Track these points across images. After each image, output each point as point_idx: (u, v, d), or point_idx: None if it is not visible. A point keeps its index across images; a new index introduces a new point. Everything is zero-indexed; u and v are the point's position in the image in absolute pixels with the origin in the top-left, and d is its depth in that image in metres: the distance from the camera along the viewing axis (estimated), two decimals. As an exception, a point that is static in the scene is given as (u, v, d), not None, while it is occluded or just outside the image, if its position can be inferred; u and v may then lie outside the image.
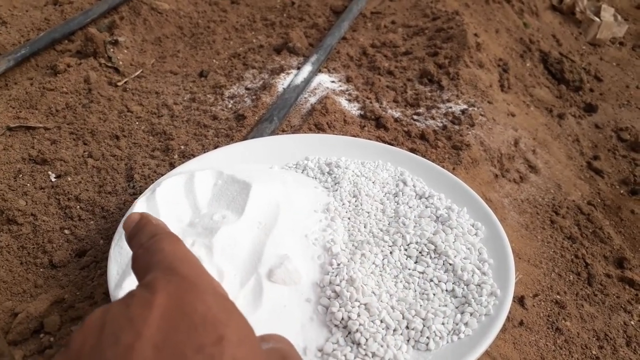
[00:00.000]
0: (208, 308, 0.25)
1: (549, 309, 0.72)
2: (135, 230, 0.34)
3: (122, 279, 0.48)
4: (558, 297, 0.75)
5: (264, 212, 0.56)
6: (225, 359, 0.23)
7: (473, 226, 0.60)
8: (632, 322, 0.77)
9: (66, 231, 0.67)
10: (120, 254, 0.51)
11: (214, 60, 1.12)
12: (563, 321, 0.71)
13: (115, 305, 0.26)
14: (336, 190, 0.64)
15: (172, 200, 0.58)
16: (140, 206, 0.57)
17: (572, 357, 0.67)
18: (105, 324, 0.24)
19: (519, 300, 0.70)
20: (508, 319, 0.66)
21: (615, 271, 0.85)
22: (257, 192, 0.57)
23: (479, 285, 0.53)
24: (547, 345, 0.66)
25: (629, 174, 1.16)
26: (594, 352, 0.69)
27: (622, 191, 1.11)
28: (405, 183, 0.66)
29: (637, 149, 1.24)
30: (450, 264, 0.55)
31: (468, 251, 0.56)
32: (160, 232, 0.32)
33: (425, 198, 0.64)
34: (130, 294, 0.26)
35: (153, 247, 0.31)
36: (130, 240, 0.34)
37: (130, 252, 0.50)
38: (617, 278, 0.84)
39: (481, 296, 0.51)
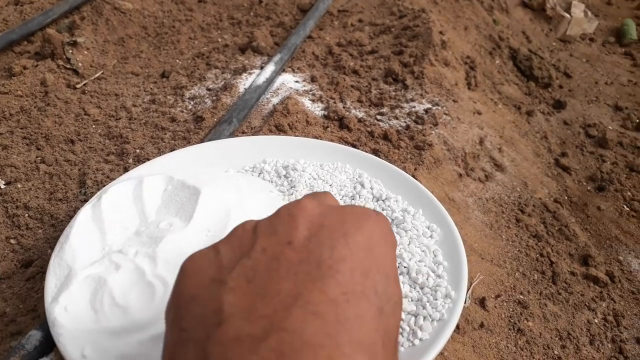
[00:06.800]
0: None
1: (511, 309, 0.71)
2: None
3: (59, 293, 0.46)
4: (521, 297, 0.74)
5: (213, 219, 0.55)
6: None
7: (428, 228, 0.58)
8: (596, 321, 0.77)
9: (12, 241, 0.64)
10: (59, 265, 0.49)
11: (177, 61, 1.10)
12: (525, 321, 0.70)
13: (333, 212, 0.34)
14: (292, 194, 0.63)
15: (118, 207, 0.56)
16: (85, 214, 0.54)
17: (533, 358, 0.66)
18: (323, 225, 0.33)
19: (480, 301, 0.69)
20: (467, 321, 0.65)
21: (580, 269, 0.85)
22: (207, 198, 0.56)
23: (434, 289, 0.52)
24: (507, 347, 0.66)
25: (596, 170, 1.16)
26: (556, 352, 0.69)
27: (589, 188, 1.11)
28: (362, 185, 0.65)
29: (604, 145, 1.24)
30: (405, 267, 0.54)
31: (423, 254, 0.55)
32: None
33: (382, 201, 0.63)
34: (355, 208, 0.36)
35: None
36: None
37: (68, 267, 0.48)
38: (582, 276, 0.84)
39: (436, 299, 0.50)
